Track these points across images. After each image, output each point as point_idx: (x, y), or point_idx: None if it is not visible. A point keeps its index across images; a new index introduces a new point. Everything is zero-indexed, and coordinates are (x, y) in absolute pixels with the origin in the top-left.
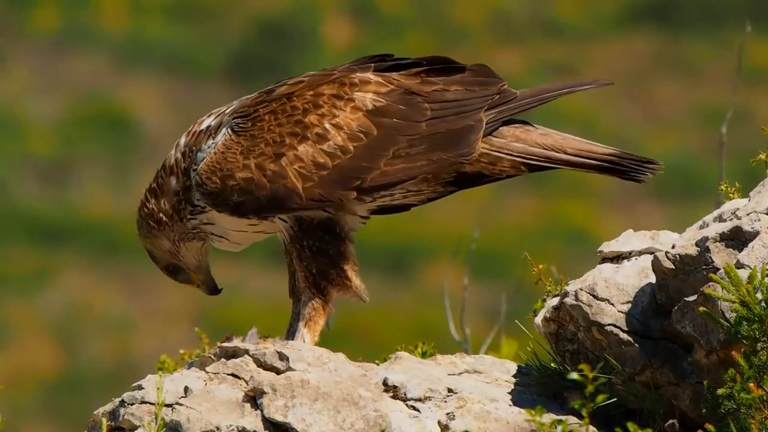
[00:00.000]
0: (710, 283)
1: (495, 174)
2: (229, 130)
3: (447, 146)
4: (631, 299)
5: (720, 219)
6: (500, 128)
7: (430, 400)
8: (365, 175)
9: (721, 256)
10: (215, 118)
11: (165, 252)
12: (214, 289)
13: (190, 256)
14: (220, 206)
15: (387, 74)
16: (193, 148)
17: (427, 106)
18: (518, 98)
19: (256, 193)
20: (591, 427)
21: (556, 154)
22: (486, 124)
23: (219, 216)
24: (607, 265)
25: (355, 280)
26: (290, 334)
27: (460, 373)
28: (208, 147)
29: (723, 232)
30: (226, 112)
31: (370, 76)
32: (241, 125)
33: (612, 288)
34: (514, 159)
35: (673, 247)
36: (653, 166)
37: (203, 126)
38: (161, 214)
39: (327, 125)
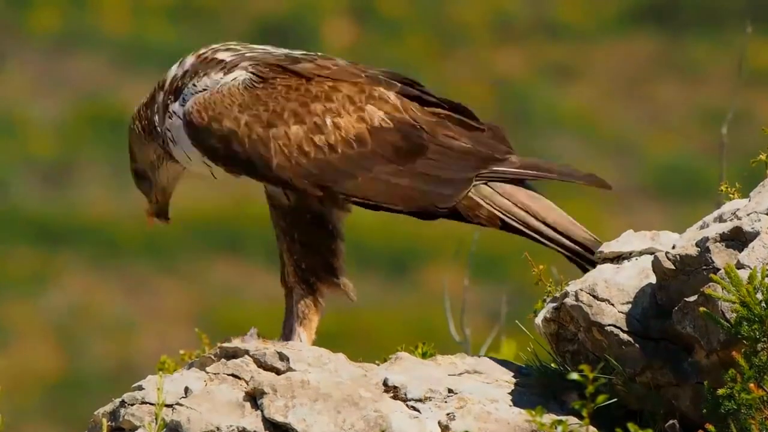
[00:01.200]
0: (710, 284)
1: (470, 217)
2: (240, 80)
3: (427, 192)
4: (631, 300)
5: (720, 219)
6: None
7: (431, 400)
8: (340, 180)
9: (721, 256)
10: (232, 55)
11: (146, 161)
12: (163, 215)
13: (165, 177)
14: (195, 140)
15: (408, 102)
16: (199, 71)
17: (428, 146)
18: (516, 166)
19: (233, 147)
20: (591, 428)
21: (535, 222)
22: (474, 181)
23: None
24: (608, 266)
25: (343, 278)
26: (286, 330)
27: (461, 374)
28: (213, 82)
29: (723, 232)
30: (246, 55)
31: (391, 96)
32: (254, 82)
33: (612, 288)
34: (492, 211)
35: (673, 247)
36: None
37: (217, 56)
38: (146, 122)
39: (328, 120)
